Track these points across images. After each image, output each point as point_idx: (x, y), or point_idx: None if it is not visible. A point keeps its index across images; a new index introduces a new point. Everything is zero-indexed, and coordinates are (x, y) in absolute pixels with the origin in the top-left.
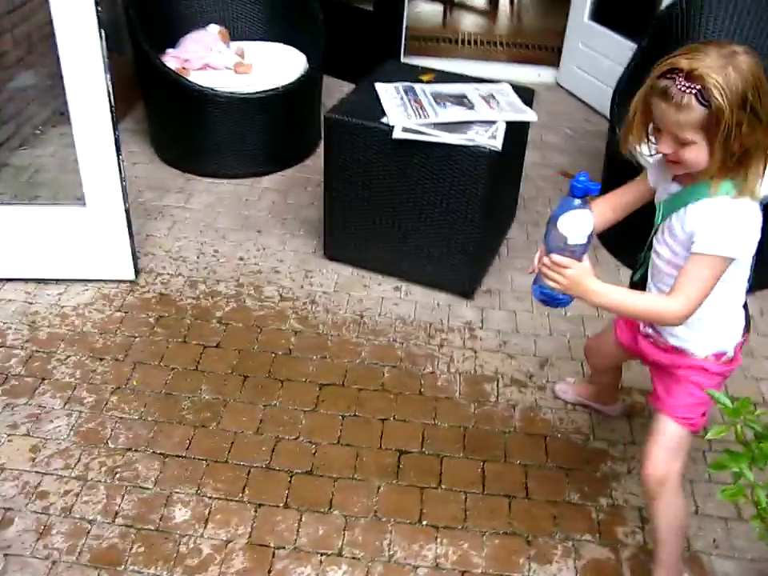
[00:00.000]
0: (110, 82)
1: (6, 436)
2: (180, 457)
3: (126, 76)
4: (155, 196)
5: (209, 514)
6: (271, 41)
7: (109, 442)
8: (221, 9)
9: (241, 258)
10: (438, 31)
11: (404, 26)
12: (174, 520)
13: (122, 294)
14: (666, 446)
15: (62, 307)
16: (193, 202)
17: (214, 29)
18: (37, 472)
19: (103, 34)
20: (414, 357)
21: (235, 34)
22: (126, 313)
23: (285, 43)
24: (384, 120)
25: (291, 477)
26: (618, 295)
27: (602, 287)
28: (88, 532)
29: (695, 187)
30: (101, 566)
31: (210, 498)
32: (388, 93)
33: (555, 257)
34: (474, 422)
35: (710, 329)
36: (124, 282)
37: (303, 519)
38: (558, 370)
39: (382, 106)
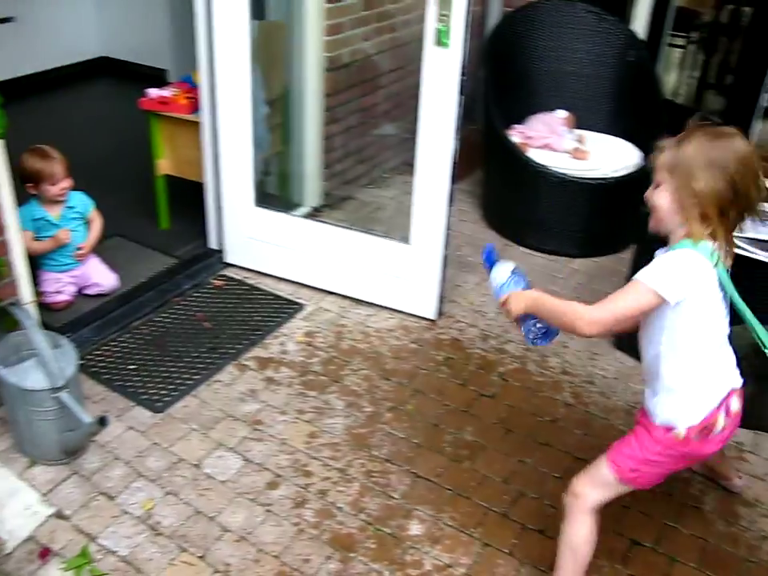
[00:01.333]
0: (457, 143)
1: (293, 418)
2: (430, 481)
3: (471, 143)
4: (471, 252)
5: (440, 536)
6: (612, 134)
7: (373, 449)
8: (570, 97)
9: None
10: None
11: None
12: (408, 531)
13: (420, 329)
14: (591, 473)
15: (367, 327)
16: None
17: (561, 113)
18: (308, 454)
19: (461, 101)
20: None
21: (580, 122)
22: (420, 346)
23: (624, 138)
24: None
25: (523, 530)
26: (547, 298)
27: (536, 294)
28: (334, 516)
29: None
30: (336, 548)
31: (445, 523)
32: None
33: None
34: (716, 538)
35: (663, 399)
36: (425, 319)
37: (521, 570)
38: None
39: None
